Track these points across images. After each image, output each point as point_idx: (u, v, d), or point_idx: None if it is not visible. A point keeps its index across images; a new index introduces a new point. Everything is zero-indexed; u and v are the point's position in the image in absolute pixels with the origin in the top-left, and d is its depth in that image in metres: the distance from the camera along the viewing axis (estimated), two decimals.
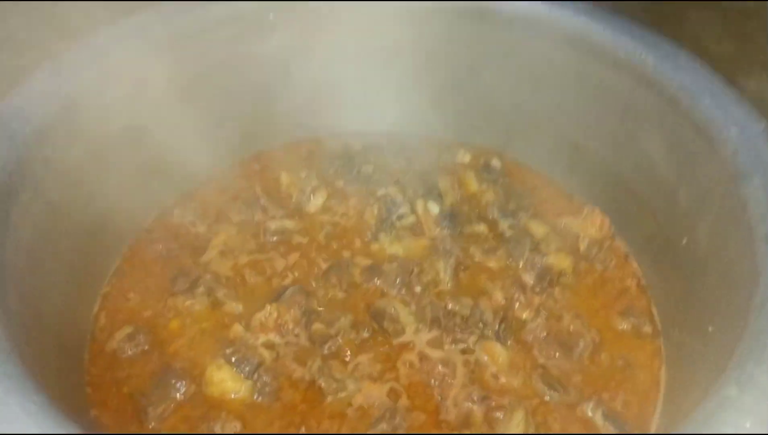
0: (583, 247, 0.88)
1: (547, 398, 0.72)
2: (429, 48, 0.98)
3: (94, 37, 0.79)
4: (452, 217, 0.90)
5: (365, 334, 0.77)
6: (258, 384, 0.72)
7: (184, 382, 0.71)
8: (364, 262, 0.85)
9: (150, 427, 0.69)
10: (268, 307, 0.77)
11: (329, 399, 0.71)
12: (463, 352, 0.76)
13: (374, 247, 0.88)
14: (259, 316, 0.76)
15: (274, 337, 0.76)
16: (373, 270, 0.83)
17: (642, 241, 0.87)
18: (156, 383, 0.71)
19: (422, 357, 0.75)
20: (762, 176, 0.65)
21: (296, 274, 0.84)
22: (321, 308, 0.79)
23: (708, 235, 0.72)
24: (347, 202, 0.94)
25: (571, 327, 0.79)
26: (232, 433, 0.68)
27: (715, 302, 0.68)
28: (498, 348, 0.76)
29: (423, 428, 0.69)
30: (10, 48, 1.00)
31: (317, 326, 0.77)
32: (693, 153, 0.75)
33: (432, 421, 0.70)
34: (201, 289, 0.80)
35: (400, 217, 0.91)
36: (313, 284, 0.82)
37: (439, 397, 0.72)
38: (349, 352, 0.75)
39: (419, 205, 0.92)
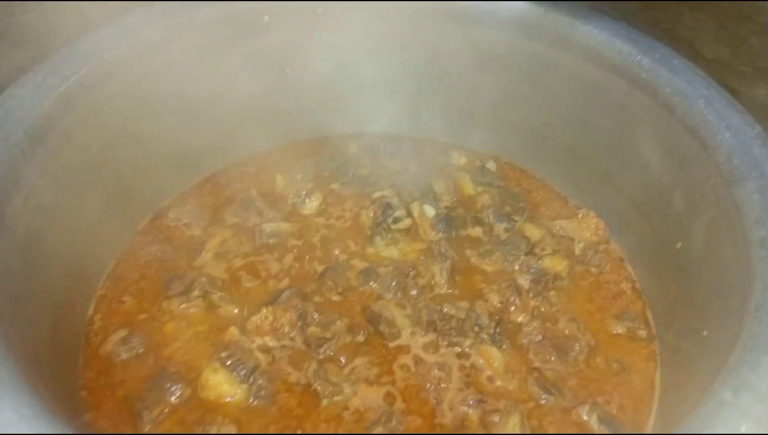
0: (578, 250, 0.89)
1: (542, 402, 0.72)
2: (424, 51, 0.98)
3: (87, 36, 0.79)
4: (448, 220, 0.90)
5: (361, 338, 0.77)
6: (254, 387, 0.71)
7: (179, 386, 0.71)
8: (360, 265, 0.85)
9: (145, 430, 0.68)
10: (263, 311, 0.76)
11: (325, 402, 0.71)
12: (459, 355, 0.76)
13: (370, 250, 0.87)
14: (255, 319, 0.76)
15: (269, 341, 0.76)
16: (369, 273, 0.83)
17: (637, 245, 0.87)
18: (151, 387, 0.71)
19: (418, 360, 0.75)
20: (756, 180, 0.65)
21: (292, 277, 0.84)
22: (317, 311, 0.79)
23: (702, 239, 0.72)
24: (343, 205, 0.94)
25: (567, 330, 0.79)
26: None
27: (709, 306, 0.68)
28: (494, 351, 0.76)
29: (419, 432, 0.69)
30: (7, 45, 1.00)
31: (313, 329, 0.77)
32: (687, 157, 0.75)
33: (428, 425, 0.70)
34: (196, 292, 0.80)
35: (395, 220, 0.90)
36: (309, 287, 0.82)
37: (435, 401, 0.72)
38: (344, 356, 0.75)
39: (415, 208, 0.92)
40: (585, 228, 0.90)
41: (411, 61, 0.99)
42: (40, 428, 0.47)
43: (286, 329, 0.77)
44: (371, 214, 0.91)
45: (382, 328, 0.77)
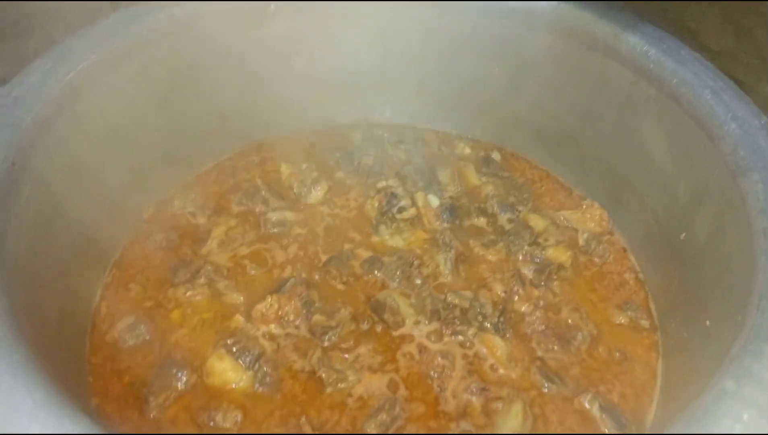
0: (582, 241, 0.89)
1: (545, 390, 0.73)
2: (429, 40, 0.98)
3: (95, 25, 0.79)
4: (452, 210, 0.91)
5: (365, 326, 0.78)
6: (259, 374, 0.72)
7: (185, 372, 0.72)
8: (365, 254, 0.85)
9: (151, 416, 0.69)
10: (268, 298, 0.77)
11: (329, 390, 0.72)
12: (463, 344, 0.76)
13: (374, 239, 0.88)
14: (260, 307, 0.77)
15: (274, 328, 0.77)
16: (374, 262, 0.84)
17: (640, 236, 0.87)
18: (157, 373, 0.72)
19: (422, 349, 0.76)
20: (761, 171, 0.65)
21: (297, 265, 0.84)
22: (321, 300, 0.79)
23: (707, 230, 0.73)
24: (347, 194, 0.94)
25: (570, 320, 0.80)
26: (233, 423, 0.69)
27: (712, 296, 0.68)
28: (497, 340, 0.76)
29: (422, 419, 0.70)
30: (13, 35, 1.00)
31: (318, 318, 0.77)
32: (693, 147, 0.75)
33: (431, 412, 0.71)
34: (202, 280, 0.81)
35: (400, 210, 0.91)
36: (314, 276, 0.83)
37: (438, 389, 0.72)
38: (349, 344, 0.76)
39: (419, 198, 0.92)
40: (589, 219, 0.90)
41: (416, 51, 0.99)
42: (53, 412, 0.47)
43: (291, 317, 0.77)
44: (376, 204, 0.91)
45: (386, 316, 0.78)
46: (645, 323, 0.80)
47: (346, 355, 0.75)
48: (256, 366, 0.72)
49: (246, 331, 0.76)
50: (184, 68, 0.86)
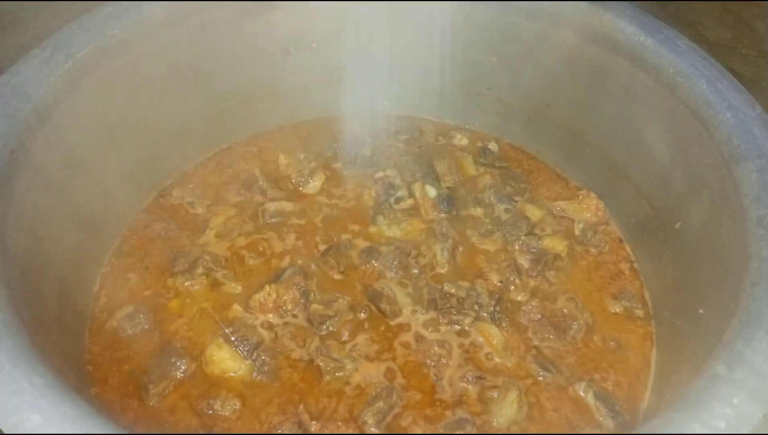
0: (578, 231, 0.89)
1: (540, 378, 0.74)
2: (428, 31, 0.97)
3: (93, 13, 0.79)
4: (449, 201, 0.91)
5: (362, 315, 0.78)
6: (257, 363, 0.73)
7: (184, 361, 0.72)
8: (362, 244, 0.86)
9: (151, 404, 0.70)
10: (266, 288, 0.78)
11: (327, 378, 0.72)
12: (459, 333, 0.77)
13: (372, 229, 0.88)
14: (258, 296, 0.77)
15: (272, 318, 0.77)
16: (371, 252, 0.84)
17: (636, 226, 0.88)
18: (156, 362, 0.72)
19: (419, 338, 0.76)
20: (755, 160, 0.66)
21: (294, 255, 0.85)
22: (319, 289, 0.80)
23: (701, 219, 0.73)
24: (345, 185, 0.94)
25: (565, 309, 0.81)
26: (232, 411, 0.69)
27: (706, 285, 0.69)
28: (493, 329, 0.77)
29: (419, 406, 0.71)
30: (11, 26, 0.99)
31: (315, 307, 0.78)
32: (688, 137, 0.76)
33: (427, 400, 0.71)
34: (200, 270, 0.81)
35: (397, 200, 0.91)
36: (312, 266, 0.83)
37: (435, 377, 0.73)
38: (346, 333, 0.76)
39: (417, 189, 0.92)
40: (585, 209, 0.91)
41: (414, 41, 0.99)
42: (53, 397, 0.48)
43: (289, 307, 0.78)
44: (373, 194, 0.92)
45: (383, 306, 0.78)
46: (640, 312, 0.81)
47: (344, 344, 0.75)
48: (255, 355, 0.73)
49: (244, 320, 0.77)
50: (182, 58, 0.86)
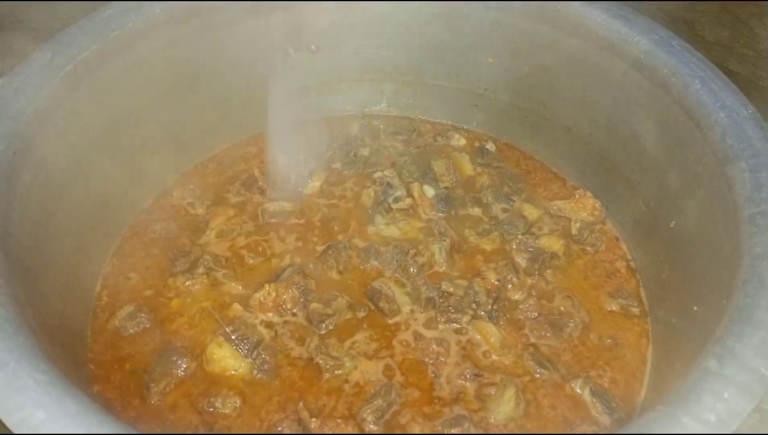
0: (575, 230, 0.90)
1: (537, 376, 0.74)
2: (426, 31, 0.98)
3: (94, 15, 0.80)
4: (447, 200, 0.92)
5: (361, 314, 0.79)
6: (257, 361, 0.74)
7: (185, 359, 0.73)
8: (361, 243, 0.87)
9: (152, 402, 0.70)
10: (266, 287, 0.78)
11: (326, 376, 0.73)
12: (457, 331, 0.78)
13: (370, 229, 0.89)
14: (258, 295, 0.78)
15: (272, 317, 0.78)
16: (370, 251, 0.85)
17: (632, 224, 0.88)
18: (157, 360, 0.73)
19: (417, 336, 0.77)
20: (748, 159, 0.66)
21: (294, 255, 0.85)
22: (318, 288, 0.81)
23: (695, 218, 0.74)
24: (344, 185, 0.95)
25: (562, 308, 0.81)
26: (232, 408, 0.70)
27: (700, 283, 0.70)
28: (491, 328, 0.78)
29: (417, 404, 0.71)
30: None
31: (315, 306, 0.79)
32: (682, 137, 0.77)
33: (426, 398, 0.72)
34: (200, 270, 0.82)
35: (396, 200, 0.92)
36: (311, 265, 0.84)
37: (433, 375, 0.74)
38: (345, 331, 0.77)
39: (415, 188, 0.93)
40: (582, 208, 0.92)
41: (412, 41, 1.00)
42: (56, 393, 0.49)
43: (289, 305, 0.79)
44: (372, 194, 0.92)
45: (382, 304, 0.79)
46: (636, 310, 0.82)
47: (343, 343, 0.76)
48: (255, 353, 0.74)
49: (244, 319, 0.77)
50: (183, 58, 0.87)
